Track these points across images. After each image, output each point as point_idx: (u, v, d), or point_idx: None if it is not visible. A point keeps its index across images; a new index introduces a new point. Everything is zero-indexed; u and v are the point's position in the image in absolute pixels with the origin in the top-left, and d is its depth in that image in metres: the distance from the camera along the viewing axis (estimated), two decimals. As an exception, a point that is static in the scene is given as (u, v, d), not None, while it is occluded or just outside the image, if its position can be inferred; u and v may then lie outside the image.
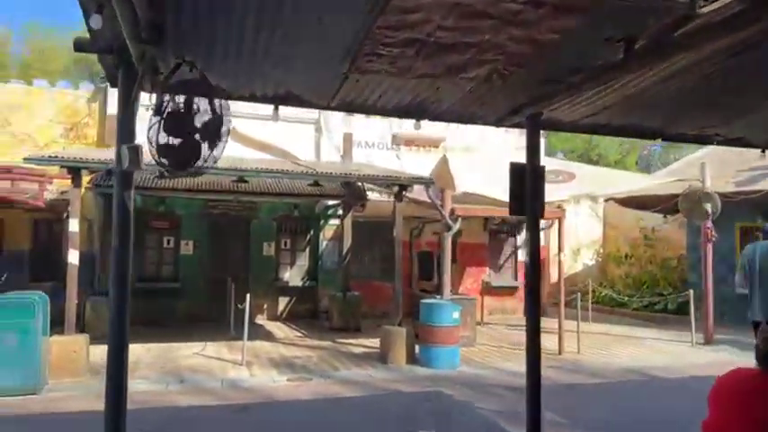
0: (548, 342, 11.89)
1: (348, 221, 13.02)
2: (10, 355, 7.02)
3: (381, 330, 9.87)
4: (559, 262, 10.65)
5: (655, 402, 7.39)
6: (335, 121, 14.86)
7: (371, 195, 12.92)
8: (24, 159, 7.73)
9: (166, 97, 3.71)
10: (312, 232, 14.96)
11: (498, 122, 4.37)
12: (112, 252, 3.48)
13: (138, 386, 7.66)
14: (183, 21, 3.08)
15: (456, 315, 9.22)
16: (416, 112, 4.28)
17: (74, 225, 8.12)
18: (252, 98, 4.22)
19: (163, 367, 8.84)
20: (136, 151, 3.44)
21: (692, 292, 11.81)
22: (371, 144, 15.27)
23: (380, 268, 15.62)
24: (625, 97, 3.88)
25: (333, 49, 3.30)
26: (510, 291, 16.35)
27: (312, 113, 14.67)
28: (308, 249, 15.02)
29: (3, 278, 12.88)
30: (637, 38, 2.98)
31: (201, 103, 3.69)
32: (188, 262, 13.92)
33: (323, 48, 3.29)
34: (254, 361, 9.42)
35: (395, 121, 15.48)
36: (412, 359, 9.40)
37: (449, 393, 7.50)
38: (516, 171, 4.16)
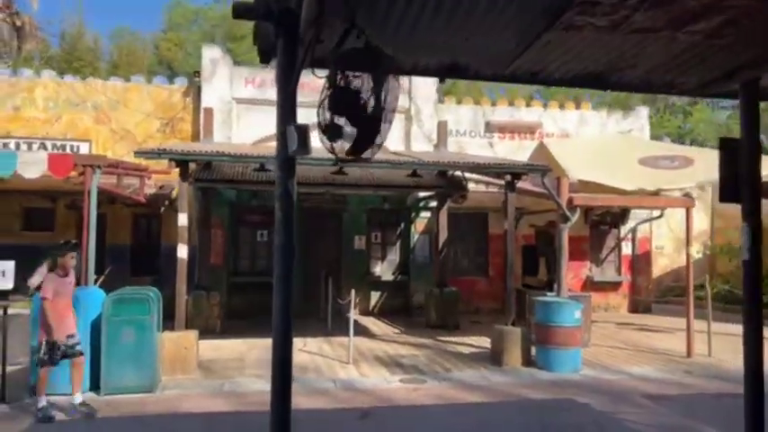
0: (668, 343, 10.90)
1: (444, 214, 12.44)
2: (128, 352, 6.92)
3: (492, 330, 9.24)
4: (687, 255, 9.62)
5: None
6: (426, 108, 14.29)
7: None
8: (135, 153, 7.63)
9: (320, 73, 3.23)
10: (403, 225, 14.49)
11: (701, 90, 3.65)
12: (277, 250, 3.06)
13: (252, 385, 7.42)
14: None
15: (578, 315, 8.46)
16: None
17: (182, 219, 7.97)
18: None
19: (270, 365, 8.58)
20: (303, 132, 3.00)
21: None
22: (463, 132, 14.60)
23: (473, 262, 14.98)
24: None
25: (533, 3, 2.71)
26: (613, 286, 15.28)
27: (401, 101, 14.15)
28: (398, 243, 14.57)
29: (107, 272, 13.21)
30: None
31: (366, 79, 3.20)
32: (280, 256, 13.77)
33: (522, 5, 2.71)
34: (359, 359, 9.04)
35: (487, 107, 14.75)
36: (527, 361, 8.72)
37: (583, 402, 6.79)
38: (728, 148, 3.42)
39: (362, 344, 10.28)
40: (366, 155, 3.31)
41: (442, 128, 12.48)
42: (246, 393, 7.09)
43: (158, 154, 7.69)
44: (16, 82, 12.75)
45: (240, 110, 13.48)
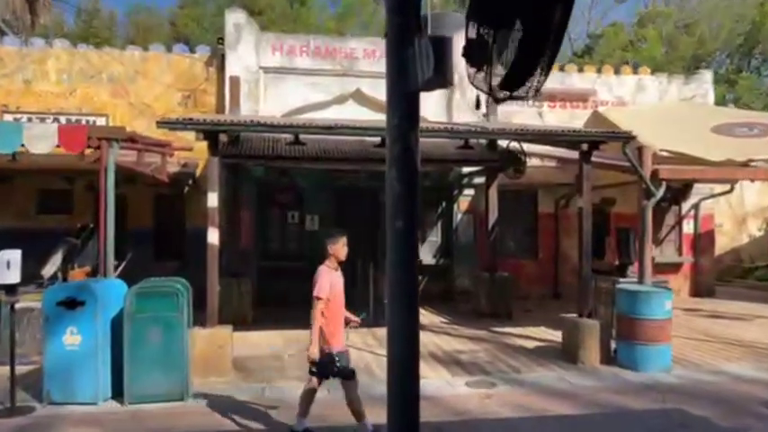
0: (753, 333, 9.71)
1: (494, 191, 11.26)
2: (153, 355, 5.94)
3: (564, 321, 8.13)
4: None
5: None
6: (470, 76, 13.00)
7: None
8: (158, 123, 6.58)
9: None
10: (444, 204, 13.35)
11: None
12: (395, 237, 2.01)
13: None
14: None
15: (669, 306, 7.29)
16: None
17: (212, 199, 6.93)
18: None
19: (313, 364, 7.58)
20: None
21: None
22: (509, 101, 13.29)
23: (521, 244, 13.81)
24: None
25: None
26: (674, 268, 14.01)
27: (444, 69, 12.90)
28: (440, 223, 13.44)
29: (128, 258, 12.31)
30: None
31: None
32: (313, 238, 12.75)
33: None
34: (412, 356, 7.98)
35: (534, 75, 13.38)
36: (607, 359, 7.60)
37: (698, 414, 5.66)
38: None
39: (410, 336, 9.23)
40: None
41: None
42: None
43: (184, 124, 6.63)
44: (27, 53, 11.76)
45: (268, 80, 12.35)
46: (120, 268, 11.95)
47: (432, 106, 12.81)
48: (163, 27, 29.70)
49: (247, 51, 12.10)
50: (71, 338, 5.89)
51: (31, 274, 8.46)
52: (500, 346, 8.69)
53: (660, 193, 7.74)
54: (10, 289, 5.70)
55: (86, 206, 11.47)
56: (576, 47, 32.41)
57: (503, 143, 11.15)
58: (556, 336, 9.34)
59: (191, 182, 11.94)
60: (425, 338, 9.18)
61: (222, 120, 6.90)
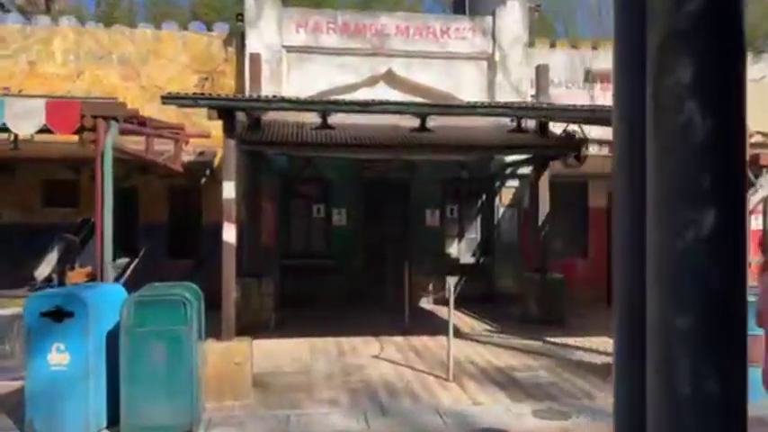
0: None
1: (544, 182, 10.01)
2: (156, 377, 4.88)
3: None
4: None
5: None
6: (514, 53, 11.76)
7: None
8: (162, 98, 5.52)
9: None
10: (485, 197, 12.13)
11: None
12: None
13: (328, 419, 5.31)
14: None
15: None
16: None
17: (229, 190, 5.84)
18: None
19: (346, 382, 6.48)
20: None
21: None
22: (557, 82, 11.99)
23: (568, 241, 12.52)
24: None
25: None
26: (740, 269, 12.57)
27: (485, 45, 11.70)
28: (479, 218, 12.24)
29: (141, 254, 11.34)
30: None
31: None
32: (341, 234, 11.67)
33: None
34: (460, 373, 6.83)
35: (587, 52, 12.12)
36: (694, 379, 6.34)
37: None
38: None
39: (454, 347, 8.06)
40: None
41: (541, 73, 9.97)
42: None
43: (194, 99, 5.55)
44: (31, 32, 10.82)
45: (291, 60, 11.25)
46: (131, 267, 11.00)
47: (470, 87, 11.59)
48: (183, 17, 28.92)
49: (269, 28, 11.00)
50: (57, 357, 4.85)
51: (30, 276, 7.51)
52: (561, 361, 7.48)
53: (763, 182, 6.43)
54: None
55: (93, 198, 10.51)
56: (606, 23, 30.74)
57: (549, 128, 9.91)
58: (623, 348, 8.11)
59: (208, 172, 10.92)
60: (469, 349, 8.03)
61: (239, 96, 5.79)
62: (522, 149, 9.51)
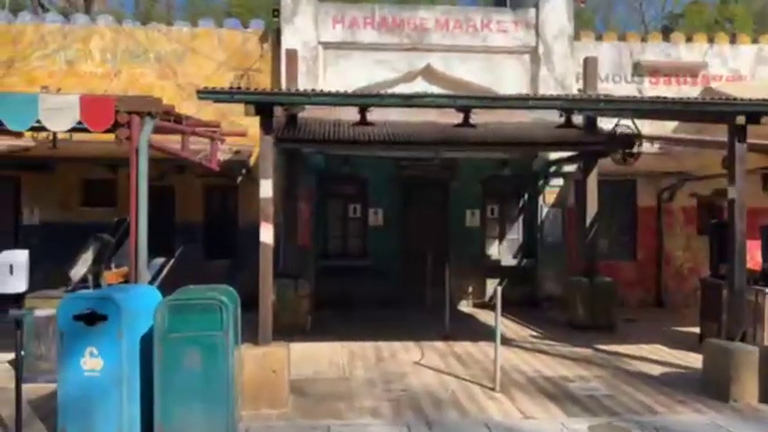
0: None
1: (593, 180, 9.51)
2: (191, 385, 4.64)
3: (707, 346, 6.37)
4: None
5: None
6: (559, 47, 11.26)
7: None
8: (198, 93, 5.30)
9: None
10: (527, 196, 11.66)
11: None
12: None
13: (369, 430, 5.01)
14: None
15: None
16: None
17: (266, 188, 5.58)
18: None
19: (388, 390, 6.16)
20: None
21: None
22: (604, 77, 11.41)
23: (615, 242, 11.98)
24: None
25: None
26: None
27: (528, 38, 11.23)
28: (522, 218, 11.78)
29: (177, 254, 11.24)
30: None
31: None
32: (378, 235, 11.37)
33: None
34: (507, 382, 6.44)
35: (636, 44, 11.54)
36: (766, 395, 5.83)
37: None
38: None
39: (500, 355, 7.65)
40: None
41: (590, 66, 9.47)
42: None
43: (230, 94, 5.34)
44: (69, 31, 10.83)
45: (328, 56, 10.99)
46: (168, 267, 10.89)
47: (512, 82, 11.14)
48: (219, 14, 29.13)
49: (305, 24, 10.77)
50: (91, 362, 4.66)
51: (66, 276, 7.39)
52: (615, 371, 7.01)
53: None
54: (15, 300, 4.51)
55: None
56: (650, 29, 29.69)
57: (597, 123, 9.42)
58: (681, 358, 7.62)
59: (244, 171, 10.73)
60: (515, 357, 7.62)
61: (276, 90, 5.53)
62: (571, 146, 9.02)
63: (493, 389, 6.20)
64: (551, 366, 7.20)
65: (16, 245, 10.80)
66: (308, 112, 9.74)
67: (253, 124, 10.70)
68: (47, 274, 10.23)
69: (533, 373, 6.92)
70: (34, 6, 15.64)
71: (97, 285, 6.67)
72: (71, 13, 13.82)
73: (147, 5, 26.20)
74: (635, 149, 8.02)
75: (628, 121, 8.34)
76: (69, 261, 7.21)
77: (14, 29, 10.70)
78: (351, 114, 10.08)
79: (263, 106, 5.44)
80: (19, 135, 9.21)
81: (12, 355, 6.58)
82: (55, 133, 10.02)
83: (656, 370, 7.03)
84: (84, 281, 6.64)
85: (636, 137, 7.99)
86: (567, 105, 5.73)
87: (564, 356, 7.69)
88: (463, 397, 6.00)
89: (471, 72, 11.14)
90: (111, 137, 9.31)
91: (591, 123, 9.21)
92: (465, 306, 11.48)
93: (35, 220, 10.75)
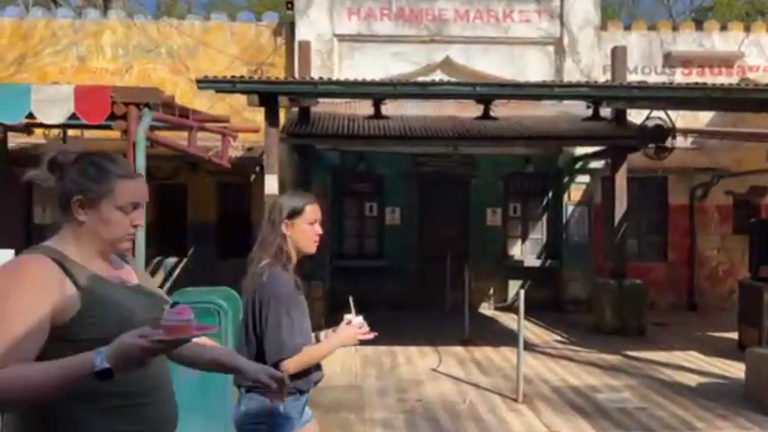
0: None
1: (622, 177, 8.99)
2: (187, 397, 4.27)
3: (749, 355, 5.85)
4: None
5: None
6: (585, 37, 10.73)
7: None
8: (198, 83, 4.99)
9: None
10: (551, 194, 11.15)
11: None
12: None
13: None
14: None
15: None
16: None
17: (271, 184, 5.25)
18: None
19: (402, 400, 5.77)
20: None
21: None
22: (632, 68, 10.84)
23: (645, 243, 11.42)
24: None
25: None
26: None
27: (552, 28, 10.74)
28: (545, 217, 11.27)
29: (189, 254, 11.02)
30: None
31: None
32: (395, 234, 10.97)
33: None
34: (531, 392, 5.99)
35: (666, 34, 10.96)
36: (819, 410, 5.29)
37: None
38: None
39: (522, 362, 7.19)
40: None
41: (618, 56, 8.94)
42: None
43: (231, 83, 5.02)
44: (80, 26, 10.65)
45: (343, 49, 10.63)
46: (180, 267, 10.67)
47: (535, 74, 10.63)
48: (233, 9, 29.06)
49: (320, 16, 10.42)
50: (81, 369, 4.35)
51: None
52: (647, 380, 6.51)
53: None
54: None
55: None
56: (679, 21, 28.76)
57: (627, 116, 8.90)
58: (719, 366, 7.08)
59: (257, 169, 10.43)
60: (539, 365, 7.16)
61: (280, 79, 5.17)
62: (599, 140, 8.50)
63: (515, 400, 5.76)
64: (578, 375, 6.73)
65: (28, 244, 10.70)
66: (322, 107, 9.41)
67: (266, 120, 10.51)
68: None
69: (559, 382, 6.46)
70: (47, 2, 15.53)
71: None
72: (84, 7, 13.70)
73: (168, 4, 26.14)
74: (669, 143, 7.46)
75: (660, 113, 7.82)
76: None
77: (26, 24, 10.55)
78: (366, 109, 9.73)
79: (266, 96, 5.08)
80: (29, 132, 9.05)
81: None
82: (65, 130, 9.85)
83: (693, 380, 6.52)
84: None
85: (670, 130, 7.45)
86: (595, 93, 5.25)
87: (591, 363, 7.20)
88: (483, 409, 5.57)
89: (492, 64, 10.67)
90: (119, 134, 9.09)
91: (620, 116, 8.69)
92: (486, 309, 11.02)
93: (47, 219, 10.57)
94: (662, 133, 7.51)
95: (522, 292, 6.05)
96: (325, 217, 10.53)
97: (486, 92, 5.23)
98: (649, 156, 7.92)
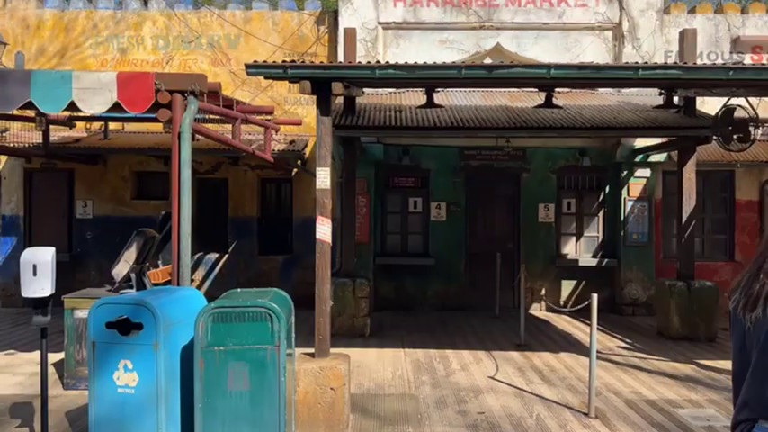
0: None
1: (691, 170, 8.32)
2: (237, 406, 3.95)
3: None
4: None
5: None
6: (646, 22, 10.04)
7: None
8: (247, 68, 4.60)
9: None
10: (608, 189, 10.51)
11: None
12: None
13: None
14: None
15: None
16: None
17: (323, 178, 4.81)
18: None
19: (463, 413, 5.31)
20: None
21: None
22: (697, 54, 10.09)
23: (709, 241, 10.68)
24: None
25: None
26: None
27: (610, 12, 10.07)
28: (602, 213, 10.63)
29: (231, 249, 10.77)
30: None
31: None
32: (441, 231, 10.49)
33: None
34: (602, 405, 5.47)
35: (735, 17, 10.17)
36: None
37: None
38: None
39: (583, 368, 6.65)
40: None
41: (688, 40, 8.24)
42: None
43: (283, 69, 4.59)
44: (121, 17, 10.47)
45: (388, 38, 10.20)
46: (221, 264, 10.41)
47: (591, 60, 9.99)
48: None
49: (365, 3, 9.99)
50: (125, 377, 4.04)
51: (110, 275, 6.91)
52: (728, 393, 5.89)
53: None
54: (39, 304, 3.93)
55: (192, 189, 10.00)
56: (748, 3, 27.34)
57: (699, 106, 8.23)
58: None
59: (299, 162, 10.11)
60: (606, 374, 6.61)
61: (336, 64, 4.75)
62: (670, 131, 7.85)
63: (587, 414, 5.25)
64: (651, 386, 6.16)
65: (70, 238, 10.62)
66: (367, 98, 8.99)
67: (309, 113, 10.14)
68: (99, 269, 10.00)
69: (631, 394, 5.91)
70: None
71: (141, 285, 6.13)
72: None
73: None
74: (752, 134, 6.79)
75: (739, 101, 7.14)
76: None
77: (67, 16, 10.42)
78: (412, 99, 9.27)
79: (320, 83, 4.68)
80: (71, 126, 8.89)
81: (60, 356, 6.18)
82: (106, 124, 9.69)
83: (783, 395, 5.88)
84: (127, 279, 6.11)
85: (753, 119, 6.77)
86: (686, 76, 4.66)
87: (664, 373, 6.62)
88: (552, 424, 5.08)
89: (546, 51, 10.07)
90: (160, 126, 8.83)
91: (690, 105, 8.02)
92: (537, 310, 10.46)
93: (88, 213, 10.47)
94: (744, 124, 6.83)
95: (595, 296, 5.53)
96: (368, 213, 10.12)
97: (563, 74, 4.68)
98: (726, 147, 7.24)
